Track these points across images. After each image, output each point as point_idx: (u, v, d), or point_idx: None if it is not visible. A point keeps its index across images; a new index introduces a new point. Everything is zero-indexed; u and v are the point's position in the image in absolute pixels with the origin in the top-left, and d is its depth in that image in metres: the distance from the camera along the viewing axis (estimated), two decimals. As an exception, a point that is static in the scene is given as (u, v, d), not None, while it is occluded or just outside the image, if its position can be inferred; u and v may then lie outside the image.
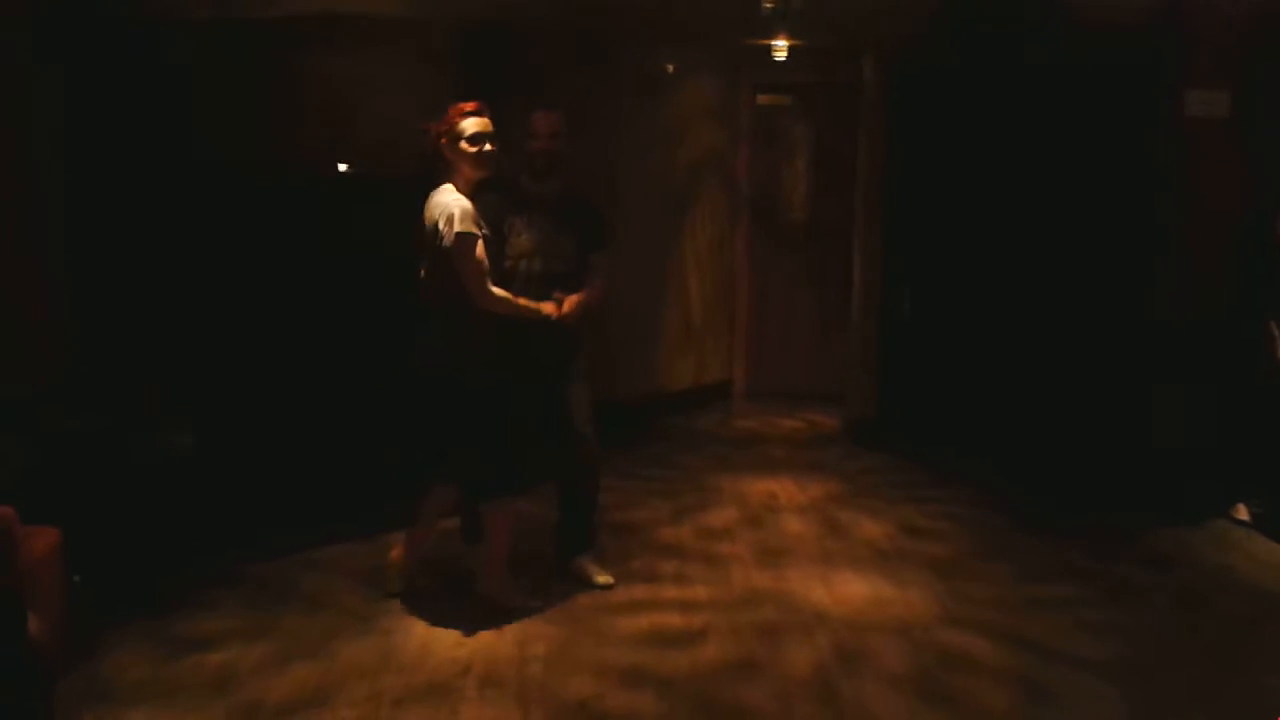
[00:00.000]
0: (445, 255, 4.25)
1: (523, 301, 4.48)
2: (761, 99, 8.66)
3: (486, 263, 4.31)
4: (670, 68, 7.88)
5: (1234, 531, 5.76)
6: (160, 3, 5.28)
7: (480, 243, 4.28)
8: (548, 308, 4.55)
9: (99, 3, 5.10)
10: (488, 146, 4.34)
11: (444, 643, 4.31)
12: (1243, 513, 5.87)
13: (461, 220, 4.22)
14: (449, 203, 4.28)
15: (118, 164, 5.22)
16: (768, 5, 6.72)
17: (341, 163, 5.97)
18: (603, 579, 4.92)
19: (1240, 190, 6.34)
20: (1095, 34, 6.52)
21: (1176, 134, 6.46)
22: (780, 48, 7.62)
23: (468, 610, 4.59)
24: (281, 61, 5.65)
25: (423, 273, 4.45)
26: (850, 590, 4.92)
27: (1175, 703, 3.95)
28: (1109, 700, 3.94)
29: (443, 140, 4.34)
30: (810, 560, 5.29)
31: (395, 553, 4.83)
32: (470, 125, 4.32)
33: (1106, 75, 6.58)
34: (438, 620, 4.51)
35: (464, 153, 4.32)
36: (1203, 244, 6.47)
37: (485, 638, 4.36)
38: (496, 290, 4.36)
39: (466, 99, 4.42)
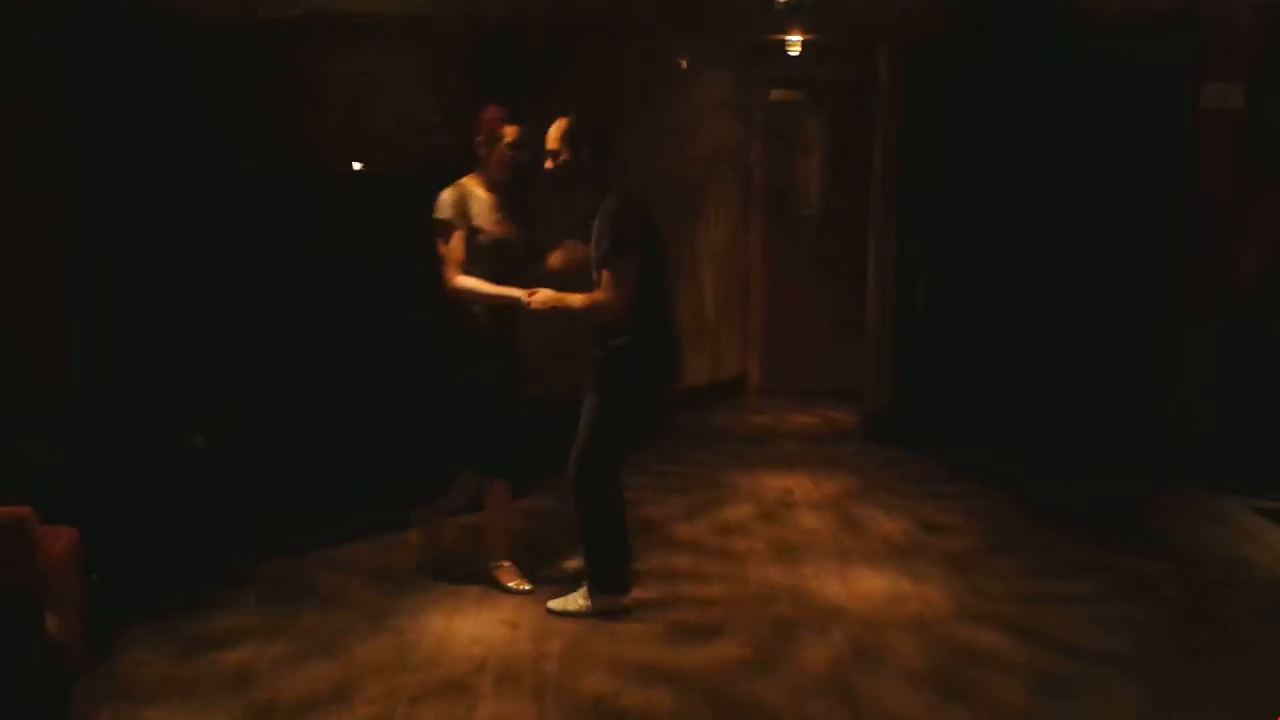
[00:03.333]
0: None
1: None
2: (774, 94, 8.63)
3: (459, 252, 4.52)
4: (683, 63, 7.86)
5: (1251, 524, 5.73)
6: (166, 2, 5.29)
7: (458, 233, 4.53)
8: (518, 293, 4.51)
9: (101, 3, 5.11)
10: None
11: (459, 640, 4.32)
12: None
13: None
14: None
15: (126, 165, 5.23)
16: (781, 0, 6.71)
17: (353, 161, 5.98)
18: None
19: (1256, 183, 6.33)
20: (1111, 27, 6.49)
21: (1192, 127, 6.44)
22: (794, 42, 7.61)
23: (483, 608, 4.61)
24: (290, 61, 5.65)
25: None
26: (866, 586, 4.91)
27: (1192, 696, 3.93)
28: (1126, 694, 3.92)
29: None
30: (826, 556, 5.28)
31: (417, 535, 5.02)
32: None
33: (1123, 68, 6.55)
34: (453, 618, 4.52)
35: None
36: (1219, 236, 6.45)
37: (501, 635, 4.37)
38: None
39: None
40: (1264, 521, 5.75)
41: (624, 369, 4.39)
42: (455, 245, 4.52)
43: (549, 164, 4.42)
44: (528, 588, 4.77)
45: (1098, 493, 6.30)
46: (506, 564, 4.86)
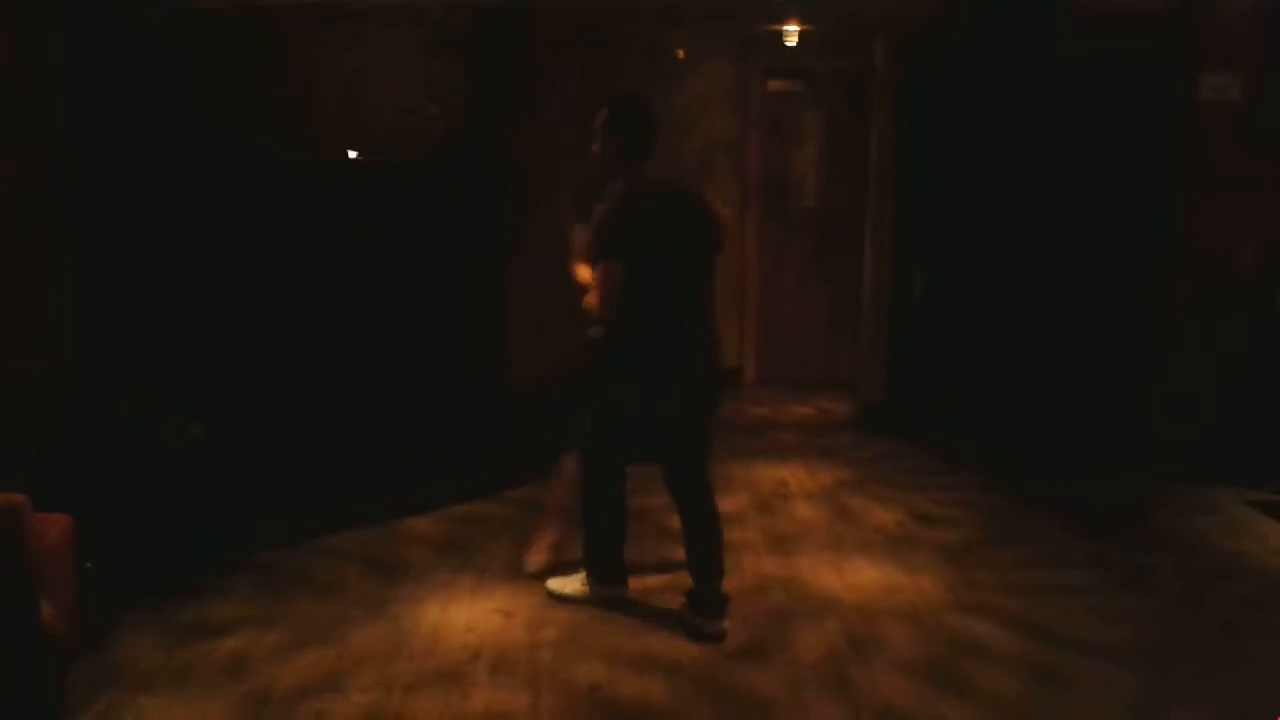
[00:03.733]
0: None
1: None
2: (772, 85, 8.62)
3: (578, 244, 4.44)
4: (680, 53, 7.85)
5: (1245, 516, 5.74)
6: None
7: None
8: None
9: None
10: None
11: (454, 628, 4.32)
12: None
13: None
14: None
15: (123, 151, 5.22)
16: (779, -10, 6.71)
17: (349, 150, 5.97)
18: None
19: (1252, 177, 6.34)
20: (1109, 18, 6.49)
21: (1190, 119, 6.44)
22: (791, 32, 7.60)
23: (478, 596, 4.61)
24: (287, 49, 5.64)
25: None
26: (861, 576, 4.92)
27: (1186, 687, 3.94)
28: (1120, 685, 3.93)
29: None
30: (821, 546, 5.29)
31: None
32: None
33: (1120, 59, 6.56)
34: (448, 606, 4.52)
35: None
36: (1216, 231, 6.46)
37: (495, 623, 4.38)
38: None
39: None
40: (1256, 514, 5.76)
41: (608, 365, 4.32)
42: (576, 236, 4.47)
43: (592, 148, 4.36)
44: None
45: (1093, 485, 6.31)
46: (552, 540, 4.90)
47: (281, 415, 5.57)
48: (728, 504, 5.87)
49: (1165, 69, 6.49)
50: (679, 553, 5.14)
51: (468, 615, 4.45)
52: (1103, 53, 6.56)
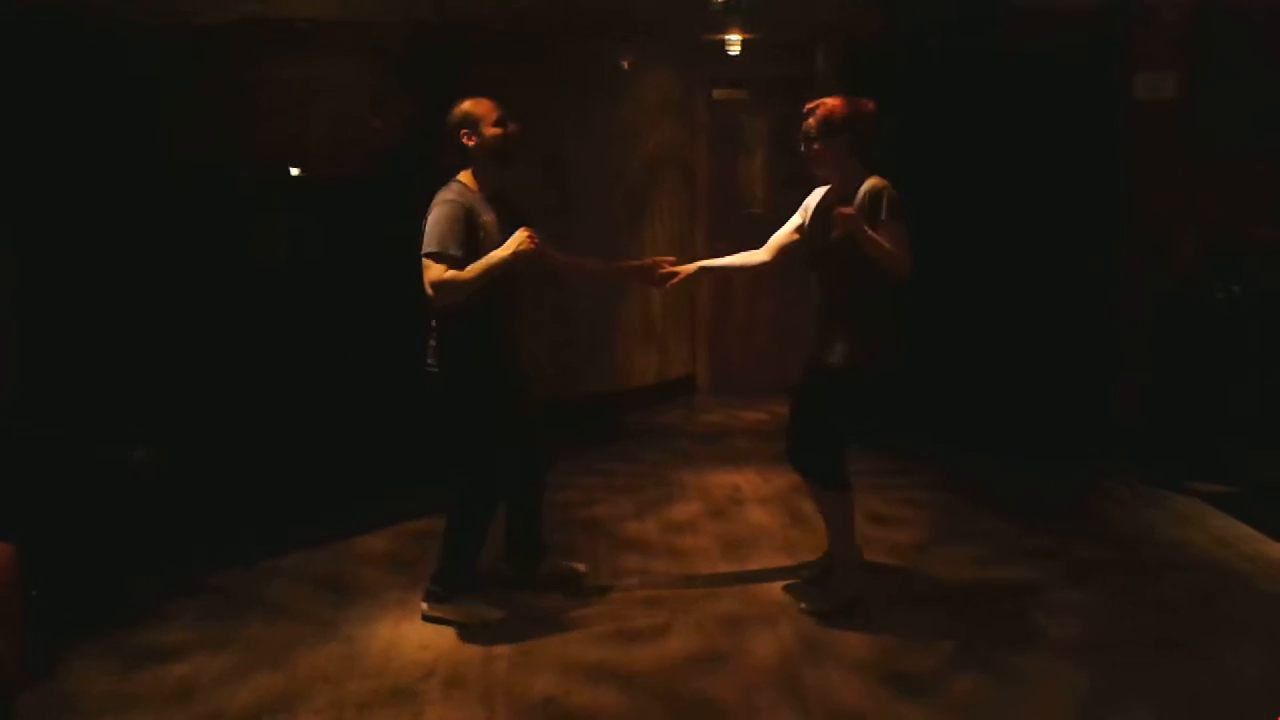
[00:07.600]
0: None
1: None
2: (717, 94, 8.67)
3: None
4: (625, 64, 7.87)
5: (1192, 509, 5.82)
6: (99, 10, 5.22)
7: None
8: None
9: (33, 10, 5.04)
10: None
11: (408, 646, 4.30)
12: None
13: None
14: None
15: (68, 174, 5.17)
16: (718, 0, 6.75)
17: (292, 167, 5.94)
18: (582, 566, 4.96)
19: (1190, 174, 6.43)
20: (1045, 20, 6.57)
21: (1126, 118, 6.53)
22: (733, 42, 7.65)
23: (432, 613, 4.59)
24: (227, 67, 5.61)
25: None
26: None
27: (1138, 680, 3.98)
28: (1072, 680, 3.97)
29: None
30: (774, 551, 5.31)
31: None
32: None
33: (1059, 61, 6.63)
34: (401, 624, 4.50)
35: None
36: (1154, 228, 6.55)
37: (449, 639, 4.35)
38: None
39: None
40: (1203, 505, 5.84)
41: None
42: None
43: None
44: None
45: (1043, 482, 6.37)
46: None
47: (230, 436, 5.53)
48: (681, 511, 5.90)
49: (1103, 69, 6.58)
50: (633, 562, 5.17)
51: (421, 632, 4.42)
52: (1042, 54, 6.63)
